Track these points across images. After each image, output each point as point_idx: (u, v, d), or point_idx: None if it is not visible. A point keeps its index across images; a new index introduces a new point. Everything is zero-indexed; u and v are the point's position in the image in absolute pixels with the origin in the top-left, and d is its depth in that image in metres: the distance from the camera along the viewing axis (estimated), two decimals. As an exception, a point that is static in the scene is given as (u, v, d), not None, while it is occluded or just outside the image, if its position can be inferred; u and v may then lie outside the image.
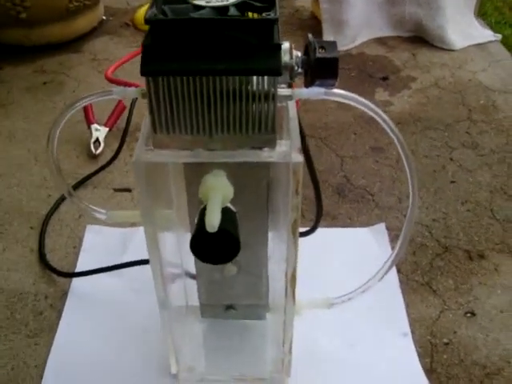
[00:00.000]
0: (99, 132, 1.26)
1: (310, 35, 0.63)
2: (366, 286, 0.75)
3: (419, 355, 0.86)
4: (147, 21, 0.52)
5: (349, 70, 1.53)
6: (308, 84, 0.62)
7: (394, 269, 0.97)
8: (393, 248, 0.72)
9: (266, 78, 0.53)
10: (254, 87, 0.53)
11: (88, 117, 1.27)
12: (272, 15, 0.52)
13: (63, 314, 0.93)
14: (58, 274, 0.99)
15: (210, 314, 0.85)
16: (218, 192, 0.58)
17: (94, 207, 0.76)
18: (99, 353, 0.87)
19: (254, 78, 0.53)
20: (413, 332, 0.89)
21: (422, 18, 1.63)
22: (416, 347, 0.87)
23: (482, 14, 1.90)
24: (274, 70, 0.52)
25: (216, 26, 0.52)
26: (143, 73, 0.53)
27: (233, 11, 0.53)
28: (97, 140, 1.25)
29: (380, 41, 1.67)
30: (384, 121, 0.62)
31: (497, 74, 1.53)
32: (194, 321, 0.86)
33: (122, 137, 1.23)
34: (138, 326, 0.90)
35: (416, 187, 0.67)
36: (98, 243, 1.05)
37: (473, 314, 0.92)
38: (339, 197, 1.14)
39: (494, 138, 1.29)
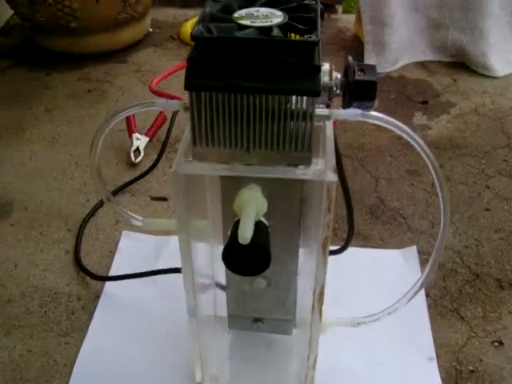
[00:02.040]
0: (140, 141, 1.29)
1: (349, 57, 0.65)
2: (393, 307, 0.76)
3: (443, 381, 0.86)
4: (193, 37, 0.54)
5: (388, 92, 1.54)
6: (346, 105, 0.64)
7: (423, 293, 0.97)
8: (423, 272, 0.72)
9: (304, 98, 0.54)
10: (293, 106, 0.55)
11: (130, 126, 1.30)
12: (313, 37, 0.54)
13: (94, 316, 0.95)
14: (91, 276, 1.02)
15: (237, 326, 0.86)
16: (252, 205, 0.60)
17: (132, 214, 0.78)
18: (126, 356, 0.89)
19: (294, 97, 0.54)
20: (438, 357, 0.89)
21: (464, 43, 1.63)
22: (441, 373, 0.87)
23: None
24: (313, 90, 0.54)
25: (259, 46, 0.53)
26: (187, 87, 0.55)
27: (276, 32, 0.55)
28: (137, 149, 1.28)
29: (421, 65, 1.68)
30: (419, 145, 0.63)
31: (539, 104, 1.51)
32: (222, 331, 0.87)
33: (162, 147, 1.26)
34: (166, 333, 0.92)
35: (448, 212, 0.68)
36: (133, 249, 1.07)
37: (500, 343, 0.91)
38: (372, 217, 1.14)
39: (532, 168, 1.28)
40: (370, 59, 1.61)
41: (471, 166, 1.29)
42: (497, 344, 0.91)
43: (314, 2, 0.62)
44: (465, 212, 1.16)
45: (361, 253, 1.05)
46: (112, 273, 1.03)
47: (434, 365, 0.87)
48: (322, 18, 1.83)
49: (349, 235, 0.81)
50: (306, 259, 0.77)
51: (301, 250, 0.75)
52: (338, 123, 1.41)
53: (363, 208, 1.17)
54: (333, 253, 0.83)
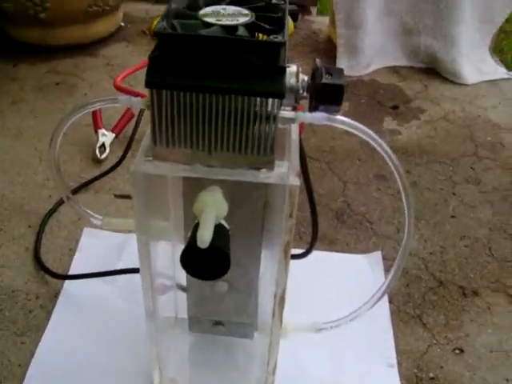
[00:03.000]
0: (106, 137, 1.27)
1: (317, 60, 0.64)
2: (355, 314, 0.75)
3: (404, 388, 0.85)
4: (156, 33, 0.53)
5: (359, 96, 1.54)
6: (312, 108, 0.63)
7: (386, 299, 0.97)
8: (386, 278, 0.72)
9: (269, 100, 0.53)
10: (257, 108, 0.53)
11: (96, 121, 1.27)
12: (279, 38, 0.52)
13: (52, 316, 0.93)
14: (50, 274, 0.99)
15: (197, 329, 0.85)
16: (212, 209, 0.58)
17: (91, 212, 0.76)
18: (83, 358, 0.87)
19: (257, 99, 0.53)
20: (399, 364, 0.89)
21: (436, 50, 1.64)
22: (401, 379, 0.86)
23: (498, 50, 1.90)
24: (277, 92, 0.53)
25: (223, 45, 0.52)
26: (147, 84, 0.53)
27: (241, 31, 0.54)
28: (103, 145, 1.26)
29: (393, 69, 1.68)
30: (384, 150, 0.63)
31: (507, 112, 1.53)
32: (182, 334, 0.86)
33: (128, 144, 1.24)
34: (125, 334, 0.90)
35: (412, 219, 0.67)
36: (94, 247, 1.05)
37: (461, 350, 0.92)
38: (338, 222, 1.14)
39: (498, 176, 1.29)
40: (342, 62, 1.60)
41: (439, 172, 1.29)
42: (457, 351, 0.91)
43: (282, 2, 0.61)
44: (430, 218, 1.16)
45: (326, 257, 1.04)
46: (72, 271, 1.00)
47: (395, 372, 0.87)
48: (296, 19, 1.84)
49: (313, 240, 0.80)
50: (268, 263, 0.75)
51: (263, 254, 0.74)
52: (307, 126, 1.40)
53: (330, 212, 1.16)
54: (297, 257, 0.82)
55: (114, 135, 1.28)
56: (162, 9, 0.57)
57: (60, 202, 1.13)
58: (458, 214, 1.18)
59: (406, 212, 0.66)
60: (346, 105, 1.49)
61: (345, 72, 1.56)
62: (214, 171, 0.58)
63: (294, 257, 0.80)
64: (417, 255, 1.07)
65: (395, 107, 1.50)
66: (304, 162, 0.70)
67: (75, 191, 1.15)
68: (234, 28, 0.54)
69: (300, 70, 0.62)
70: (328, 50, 1.73)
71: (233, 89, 0.52)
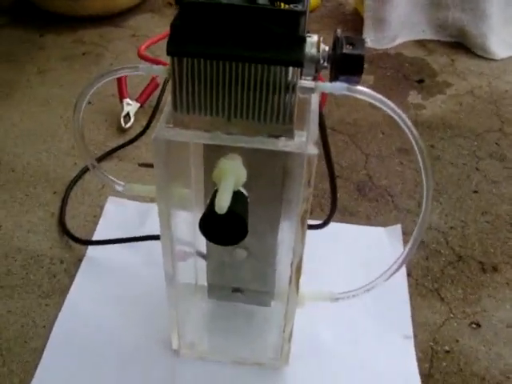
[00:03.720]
0: (130, 107, 1.28)
1: (338, 30, 0.64)
2: (371, 285, 0.76)
3: (419, 359, 0.86)
4: (177, 1, 0.53)
5: (385, 69, 1.53)
6: (333, 79, 0.63)
7: (404, 272, 0.97)
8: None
9: (288, 68, 0.53)
10: (276, 77, 0.54)
11: (121, 91, 1.29)
12: (300, 7, 0.53)
13: (75, 280, 0.95)
14: (74, 240, 1.01)
15: (216, 295, 0.86)
16: (231, 175, 0.59)
17: (114, 179, 0.77)
18: (105, 321, 0.89)
19: (277, 67, 0.53)
20: (415, 336, 0.89)
21: (465, 24, 1.61)
22: (416, 351, 0.87)
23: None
24: (297, 61, 0.53)
25: (243, 14, 0.52)
26: (169, 52, 0.54)
27: (262, 0, 0.54)
28: (127, 114, 1.27)
29: (420, 43, 1.66)
30: (405, 123, 0.63)
31: (535, 88, 1.50)
32: (201, 300, 0.88)
33: (152, 113, 1.25)
34: (146, 299, 0.92)
35: (430, 192, 0.68)
36: (118, 215, 1.07)
37: (478, 325, 0.92)
38: (359, 194, 1.14)
39: (523, 152, 1.28)
40: (368, 35, 1.59)
41: (462, 147, 1.28)
42: (474, 326, 0.92)
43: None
44: (453, 193, 1.16)
45: (345, 229, 1.05)
46: (95, 237, 1.03)
47: (411, 343, 0.88)
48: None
49: (331, 211, 0.81)
50: (286, 232, 0.76)
51: (281, 223, 0.75)
52: (331, 98, 1.39)
53: (351, 184, 1.16)
54: (314, 227, 0.83)
55: (138, 105, 1.29)
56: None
57: (85, 170, 1.15)
58: (481, 189, 1.17)
59: (424, 185, 0.66)
60: (371, 78, 1.48)
61: (371, 45, 1.59)
62: (234, 138, 0.59)
63: (312, 227, 0.82)
64: (437, 229, 1.07)
65: (421, 81, 1.49)
66: (324, 133, 0.70)
67: (100, 159, 1.17)
68: (255, -4, 0.54)
69: (321, 39, 0.62)
70: (355, 22, 1.71)
71: (252, 57, 0.53)
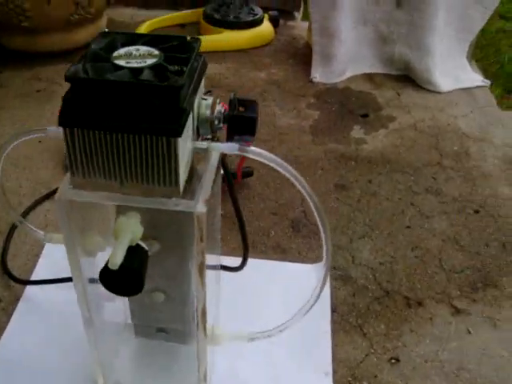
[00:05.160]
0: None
1: (232, 94, 0.68)
2: (285, 325, 0.81)
3: (336, 396, 0.90)
4: (66, 78, 0.57)
5: (331, 104, 1.58)
6: (228, 138, 0.67)
7: (328, 308, 1.01)
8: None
9: (169, 138, 0.58)
10: (158, 146, 0.58)
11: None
12: (179, 82, 0.57)
13: (12, 319, 0.98)
14: (13, 279, 1.05)
15: (142, 334, 0.90)
16: (125, 233, 0.63)
17: (35, 229, 0.81)
18: (37, 360, 0.92)
19: (158, 137, 0.58)
20: (335, 372, 0.93)
21: (410, 58, 1.67)
22: (334, 387, 0.91)
23: (480, 57, 1.93)
24: (174, 131, 0.57)
25: (127, 89, 0.57)
26: (60, 123, 0.58)
27: (146, 74, 0.58)
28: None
29: (368, 76, 1.71)
30: (294, 177, 0.67)
31: (476, 121, 1.56)
32: (128, 339, 0.91)
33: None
34: (79, 339, 0.95)
35: (329, 241, 0.72)
36: (58, 254, 1.10)
37: (397, 360, 0.96)
38: (293, 231, 1.18)
39: (459, 186, 1.33)
40: (317, 70, 1.64)
41: (399, 182, 1.33)
42: (393, 361, 0.96)
43: (195, 40, 0.65)
44: (385, 229, 1.20)
45: (274, 266, 1.09)
46: (34, 277, 1.06)
47: (330, 380, 0.92)
48: (277, 24, 1.86)
49: (244, 257, 0.85)
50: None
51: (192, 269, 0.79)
52: (275, 135, 1.44)
53: (286, 221, 1.20)
54: (232, 269, 0.87)
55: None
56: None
57: (28, 210, 1.18)
58: (414, 224, 1.22)
59: (322, 235, 0.71)
60: (316, 113, 1.53)
61: (319, 79, 1.65)
62: (128, 198, 0.63)
63: (230, 269, 0.86)
64: (366, 265, 1.12)
65: (365, 115, 1.54)
66: (230, 181, 0.75)
67: (44, 199, 1.21)
68: (140, 70, 0.58)
69: (218, 101, 0.67)
70: (306, 55, 1.76)
71: (133, 128, 0.57)
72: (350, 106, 1.57)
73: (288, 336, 0.91)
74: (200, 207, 0.63)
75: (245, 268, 0.88)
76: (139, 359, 0.92)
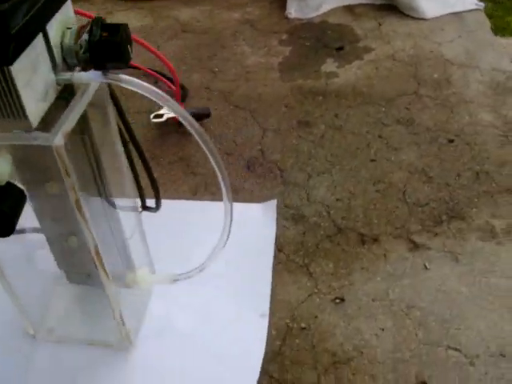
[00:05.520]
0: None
1: (94, 15, 0.62)
2: (203, 265, 0.77)
3: (272, 337, 0.85)
4: None
5: (304, 39, 1.49)
6: (96, 67, 0.62)
7: (271, 248, 0.96)
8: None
9: (3, 69, 0.52)
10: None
11: None
12: (2, 7, 0.51)
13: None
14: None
15: (75, 280, 0.87)
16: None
17: None
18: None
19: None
20: (273, 314, 0.88)
21: (393, -18, 1.55)
22: (271, 329, 0.86)
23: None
24: (3, 59, 0.52)
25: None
26: None
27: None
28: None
29: (348, 8, 1.61)
30: (169, 105, 0.61)
31: (463, 46, 1.44)
32: (61, 286, 0.89)
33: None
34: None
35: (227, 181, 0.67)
36: None
37: (342, 299, 0.90)
38: (248, 170, 1.12)
39: (434, 115, 1.24)
40: (291, 4, 1.55)
41: (369, 114, 1.25)
42: (338, 301, 0.90)
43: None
44: (347, 164, 1.13)
45: (217, 207, 1.03)
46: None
47: (265, 321, 0.87)
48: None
49: (156, 198, 0.81)
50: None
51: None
52: (243, 74, 1.36)
53: (241, 161, 1.14)
54: (151, 209, 0.83)
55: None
56: None
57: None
58: (379, 157, 1.14)
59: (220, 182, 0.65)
60: (287, 49, 1.44)
61: (294, 15, 1.57)
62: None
63: (149, 209, 0.82)
64: (321, 202, 1.05)
65: (340, 48, 1.44)
66: (126, 122, 0.70)
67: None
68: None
69: (85, 29, 0.61)
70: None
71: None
72: (325, 40, 1.48)
73: (228, 277, 0.88)
74: (58, 140, 0.58)
75: (180, 210, 0.85)
76: (71, 306, 0.90)
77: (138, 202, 0.81)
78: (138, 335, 0.84)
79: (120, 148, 0.74)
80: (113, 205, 0.78)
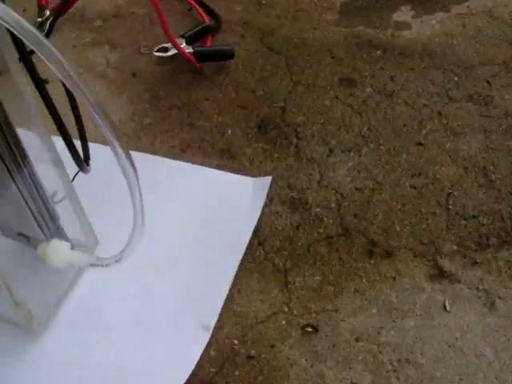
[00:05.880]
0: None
1: None
2: (120, 255, 0.60)
3: (206, 360, 0.65)
4: None
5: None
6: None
7: (247, 239, 0.74)
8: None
9: None
10: None
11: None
12: None
13: None
14: None
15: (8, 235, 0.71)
16: None
17: None
18: None
19: None
20: (221, 328, 0.68)
21: None
22: (210, 348, 0.66)
23: None
24: None
25: None
26: None
27: None
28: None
29: None
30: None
31: None
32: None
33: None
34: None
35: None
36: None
37: (315, 329, 0.68)
38: (258, 132, 0.89)
39: (523, 97, 0.94)
40: None
41: (434, 83, 0.96)
42: (309, 329, 0.68)
43: None
44: (385, 142, 0.87)
45: (205, 174, 0.82)
46: None
47: (206, 337, 0.66)
48: None
49: (85, 157, 0.60)
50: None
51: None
52: (291, 11, 1.10)
53: (254, 118, 0.91)
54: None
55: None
56: None
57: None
58: (430, 141, 0.87)
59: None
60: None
61: None
62: None
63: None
64: (335, 189, 0.81)
65: (424, -8, 1.14)
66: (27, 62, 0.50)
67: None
68: None
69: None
70: None
71: None
72: (409, -21, 1.18)
73: (180, 266, 0.69)
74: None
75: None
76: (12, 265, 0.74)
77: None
78: (56, 319, 0.67)
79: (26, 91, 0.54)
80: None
